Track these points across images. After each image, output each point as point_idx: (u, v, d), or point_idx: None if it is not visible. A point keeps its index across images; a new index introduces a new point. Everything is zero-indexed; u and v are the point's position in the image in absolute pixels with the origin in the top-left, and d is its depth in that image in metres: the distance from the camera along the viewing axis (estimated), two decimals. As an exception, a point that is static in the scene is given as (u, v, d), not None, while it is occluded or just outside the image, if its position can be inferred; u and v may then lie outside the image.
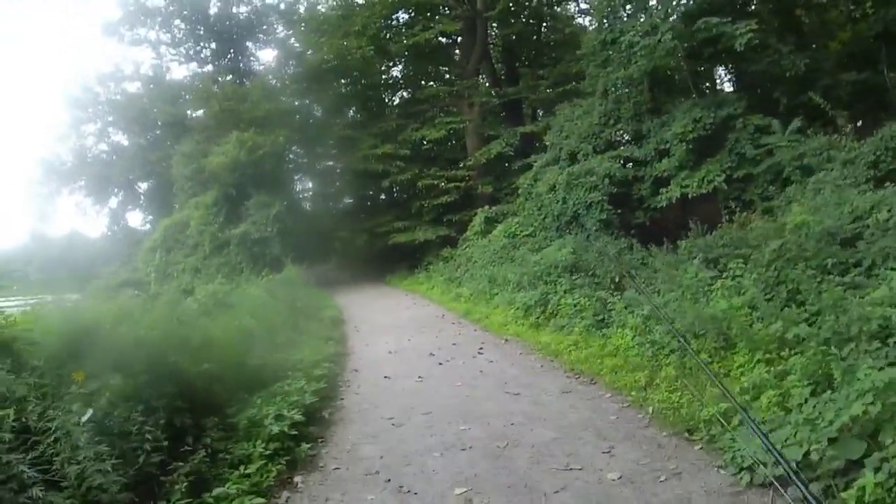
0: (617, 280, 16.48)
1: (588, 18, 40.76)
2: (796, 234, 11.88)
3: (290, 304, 20.74)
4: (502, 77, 39.57)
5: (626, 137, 24.55)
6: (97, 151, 52.36)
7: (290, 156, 39.59)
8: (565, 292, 16.63)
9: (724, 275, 12.03)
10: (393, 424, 9.62)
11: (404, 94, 42.81)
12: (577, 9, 42.18)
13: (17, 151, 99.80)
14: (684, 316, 10.44)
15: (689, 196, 20.59)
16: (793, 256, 11.08)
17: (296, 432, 8.52)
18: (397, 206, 39.54)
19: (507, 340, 15.73)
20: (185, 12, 48.78)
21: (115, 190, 52.77)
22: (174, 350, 8.33)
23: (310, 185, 49.06)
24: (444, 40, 40.03)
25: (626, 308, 13.40)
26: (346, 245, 45.88)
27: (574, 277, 17.35)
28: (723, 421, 7.30)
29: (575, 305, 15.32)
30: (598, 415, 9.19)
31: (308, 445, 8.47)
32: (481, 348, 14.99)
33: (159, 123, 48.06)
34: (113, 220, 53.53)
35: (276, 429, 8.09)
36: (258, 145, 31.94)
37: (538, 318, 16.43)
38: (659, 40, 20.38)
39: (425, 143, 34.59)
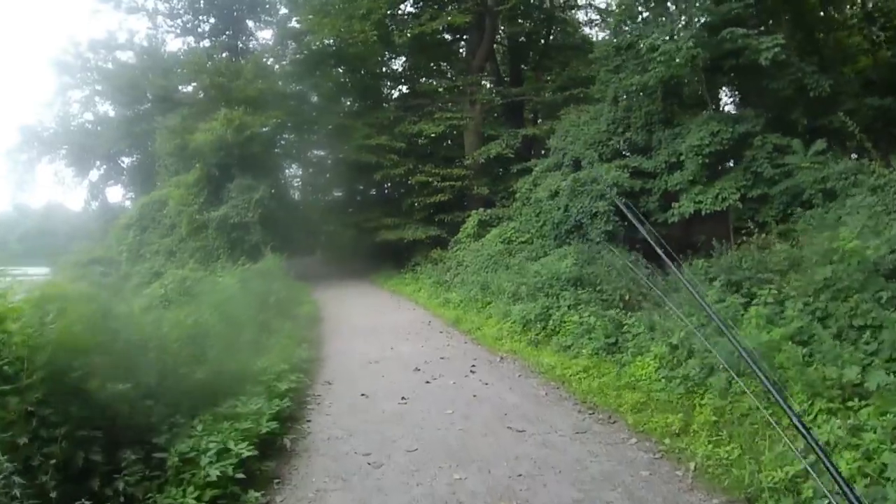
0: (627, 298, 14.70)
1: (595, 29, 39.67)
2: (845, 263, 9.95)
3: (263, 297, 18.81)
4: (506, 78, 37.60)
5: (636, 147, 22.60)
6: (82, 120, 49.54)
7: (281, 140, 37.31)
8: (569, 308, 14.81)
9: (755, 301, 10.46)
10: (369, 464, 7.70)
11: (404, 89, 40.83)
12: (586, 17, 40.22)
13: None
14: (716, 347, 8.46)
15: (701, 213, 18.97)
16: (843, 287, 9.45)
17: (243, 475, 6.49)
18: (388, 202, 37.59)
19: (502, 358, 13.85)
20: (185, -19, 46.75)
21: (97, 162, 49.91)
22: (89, 355, 6.18)
23: (299, 173, 47.05)
24: (448, 37, 38.24)
25: (645, 332, 11.85)
26: (332, 239, 43.71)
27: (579, 292, 15.53)
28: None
29: (581, 324, 13.48)
30: (626, 467, 7.35)
31: (259, 493, 6.49)
32: (474, 366, 13.09)
33: (149, 96, 45.35)
34: (92, 193, 50.89)
35: (215, 473, 6.06)
36: (246, 125, 29.79)
37: (538, 334, 14.58)
38: (679, 47, 18.70)
39: (422, 138, 32.48)
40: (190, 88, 41.48)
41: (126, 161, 50.57)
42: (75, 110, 49.39)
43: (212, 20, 48.68)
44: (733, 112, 22.94)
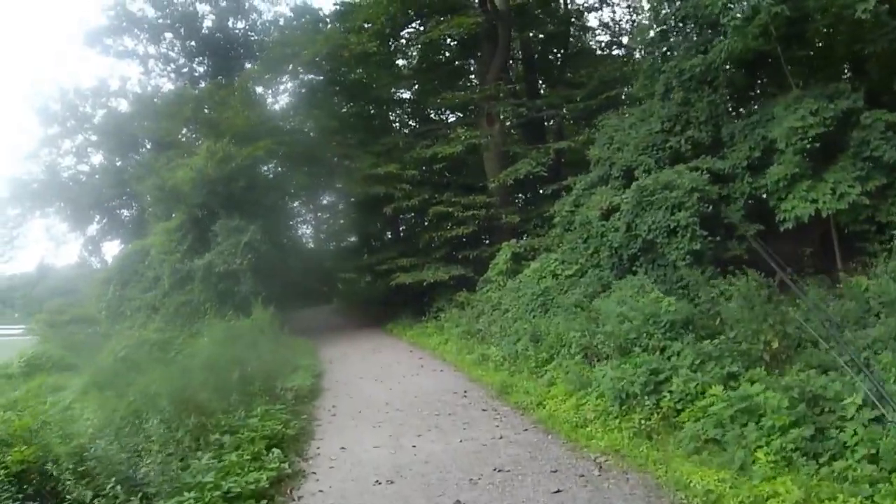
0: (772, 346, 9.18)
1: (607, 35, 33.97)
2: None
3: (241, 363, 12.97)
4: (518, 88, 31.46)
5: (701, 146, 17.30)
6: (74, 171, 43.92)
7: (271, 175, 31.22)
8: (693, 369, 8.96)
9: None
10: None
11: (411, 121, 35.14)
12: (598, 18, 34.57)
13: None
14: None
15: (821, 215, 13.55)
16: None
17: None
18: (402, 240, 31.73)
19: (602, 467, 7.98)
20: (176, 25, 41.79)
21: (95, 215, 44.33)
22: None
23: (309, 219, 41.31)
24: (458, 60, 33.21)
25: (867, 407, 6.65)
26: (347, 286, 39.38)
27: (701, 342, 9.81)
28: None
29: (730, 399, 7.76)
30: None
31: None
32: (559, 490, 7.18)
33: (146, 144, 40.20)
34: (89, 249, 45.22)
35: None
36: (230, 157, 24.00)
37: (648, 417, 8.75)
38: (756, 10, 14.06)
39: (437, 163, 26.36)
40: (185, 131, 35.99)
41: (125, 213, 44.82)
42: (68, 161, 43.96)
43: (207, 63, 43.89)
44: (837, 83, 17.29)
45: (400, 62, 33.74)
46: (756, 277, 11.04)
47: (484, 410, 11.35)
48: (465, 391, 13.13)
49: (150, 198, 27.56)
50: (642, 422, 8.52)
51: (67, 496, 6.50)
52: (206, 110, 29.14)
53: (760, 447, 6.86)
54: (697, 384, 8.52)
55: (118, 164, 41.06)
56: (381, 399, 13.12)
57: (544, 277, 18.41)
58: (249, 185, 25.32)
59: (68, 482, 6.51)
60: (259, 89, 33.07)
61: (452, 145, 26.18)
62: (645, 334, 10.56)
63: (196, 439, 8.56)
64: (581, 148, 24.28)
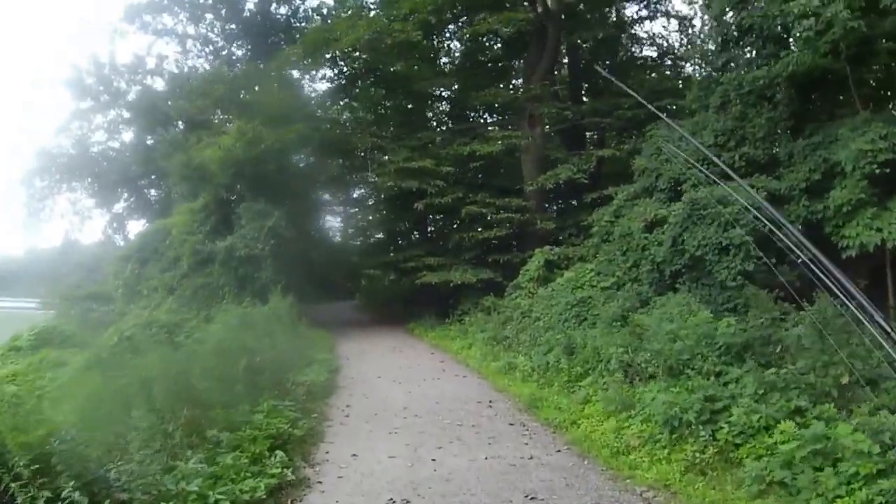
0: (842, 380, 8.17)
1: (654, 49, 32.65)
2: None
3: (252, 353, 12.03)
4: (565, 97, 30.28)
5: (755, 164, 16.23)
6: (104, 147, 43.23)
7: (302, 163, 30.11)
8: (755, 399, 7.99)
9: None
10: None
11: (449, 120, 33.51)
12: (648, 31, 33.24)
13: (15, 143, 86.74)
14: None
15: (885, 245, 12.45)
16: None
17: None
18: (431, 239, 30.82)
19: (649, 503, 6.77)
20: (217, 5, 41.05)
21: (124, 193, 43.59)
22: None
23: (326, 205, 40.17)
24: (501, 61, 32.16)
25: None
26: (372, 282, 37.93)
27: (764, 371, 8.74)
28: None
29: (802, 442, 6.81)
30: None
31: None
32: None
33: (180, 125, 39.25)
34: (115, 226, 44.33)
35: None
36: (260, 138, 23.01)
37: (702, 450, 7.66)
38: (829, 24, 12.80)
39: (474, 162, 25.20)
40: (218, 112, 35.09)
41: (153, 193, 43.87)
42: (98, 137, 43.13)
43: (246, 47, 43.04)
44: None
45: (443, 60, 32.80)
46: (831, 303, 9.95)
47: (511, 424, 10.33)
48: (491, 401, 12.12)
49: (176, 176, 26.59)
50: (696, 454, 7.45)
51: (17, 499, 5.29)
52: (241, 93, 28.13)
53: (840, 497, 5.82)
54: (761, 417, 7.46)
55: (149, 142, 40.02)
56: (398, 402, 12.16)
57: (580, 287, 17.36)
58: (278, 169, 24.34)
59: (12, 486, 5.25)
60: (296, 73, 32.04)
61: (491, 144, 25.21)
62: (699, 356, 9.51)
63: (189, 434, 7.52)
64: (625, 158, 23.19)
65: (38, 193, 42.58)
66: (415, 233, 32.77)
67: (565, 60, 32.16)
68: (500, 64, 32.00)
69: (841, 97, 15.84)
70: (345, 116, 32.38)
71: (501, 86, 31.37)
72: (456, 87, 31.20)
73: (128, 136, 43.18)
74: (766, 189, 14.61)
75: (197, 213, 24.59)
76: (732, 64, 17.66)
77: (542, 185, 24.26)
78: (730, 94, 16.85)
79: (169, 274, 24.79)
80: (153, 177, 41.52)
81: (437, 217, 29.26)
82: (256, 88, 27.94)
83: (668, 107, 25.10)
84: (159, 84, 42.12)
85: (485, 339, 18.39)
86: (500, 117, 30.41)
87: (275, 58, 30.75)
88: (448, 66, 32.27)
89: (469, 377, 14.97)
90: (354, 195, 40.17)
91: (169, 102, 37.07)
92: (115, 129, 43.34)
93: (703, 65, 19.93)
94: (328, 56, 28.68)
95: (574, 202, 26.17)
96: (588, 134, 30.18)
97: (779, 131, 16.20)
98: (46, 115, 55.56)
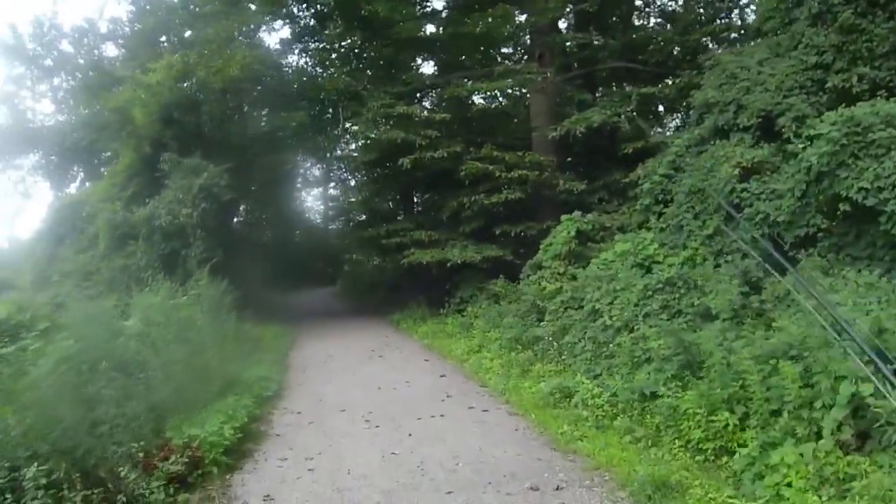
0: None
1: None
2: None
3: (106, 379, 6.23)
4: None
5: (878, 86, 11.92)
6: (52, 121, 36.46)
7: (255, 114, 23.18)
8: None
9: None
10: None
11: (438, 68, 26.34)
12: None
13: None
14: None
15: None
16: None
17: None
18: (421, 211, 24.26)
19: None
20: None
21: (80, 171, 36.76)
22: None
23: (295, 175, 33.52)
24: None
25: None
26: (353, 266, 33.05)
27: None
28: None
29: None
30: None
31: None
32: None
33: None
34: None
35: None
36: (189, 71, 16.41)
37: None
38: None
39: (473, 107, 18.63)
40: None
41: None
42: (46, 107, 36.64)
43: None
44: None
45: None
46: None
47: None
48: (559, 483, 5.74)
49: (89, 128, 20.01)
50: None
51: None
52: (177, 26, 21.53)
53: None
54: None
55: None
56: (371, 491, 5.75)
57: (641, 266, 11.54)
58: (221, 118, 17.84)
59: None
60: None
61: (492, 81, 18.82)
62: None
63: None
64: (675, 95, 17.12)
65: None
66: (400, 203, 25.84)
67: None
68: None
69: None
70: (307, 61, 25.40)
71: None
72: (447, 29, 24.24)
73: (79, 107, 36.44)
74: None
75: (118, 176, 18.06)
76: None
77: (565, 132, 17.71)
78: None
79: (84, 255, 18.31)
80: (108, 153, 34.77)
81: (429, 180, 22.28)
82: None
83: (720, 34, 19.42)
84: (112, 51, 35.40)
85: (507, 342, 12.15)
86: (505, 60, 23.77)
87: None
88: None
89: (495, 413, 8.56)
90: (329, 155, 33.24)
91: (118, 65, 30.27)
92: (64, 99, 36.61)
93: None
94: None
95: (616, 152, 19.68)
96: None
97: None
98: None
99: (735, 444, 5.96)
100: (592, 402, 7.68)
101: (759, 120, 12.21)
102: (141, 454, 5.70)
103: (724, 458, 5.94)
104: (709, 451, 6.08)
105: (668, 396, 6.76)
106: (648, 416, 7.00)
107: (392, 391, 10.07)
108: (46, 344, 8.04)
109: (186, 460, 5.88)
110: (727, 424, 6.10)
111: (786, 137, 11.37)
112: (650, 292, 9.65)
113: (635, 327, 9.06)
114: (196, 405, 7.66)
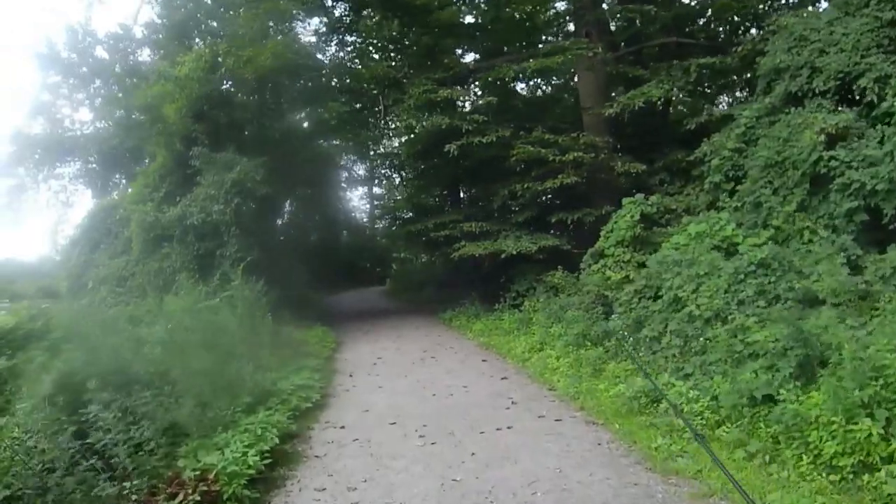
0: None
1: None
2: None
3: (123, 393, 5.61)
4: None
5: None
6: (90, 128, 35.91)
7: (292, 106, 21.94)
8: None
9: None
10: None
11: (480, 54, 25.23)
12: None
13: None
14: None
15: None
16: None
17: None
18: (471, 200, 22.96)
19: None
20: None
21: (122, 178, 36.33)
22: None
23: (340, 176, 32.77)
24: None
25: None
26: (402, 265, 32.82)
27: None
28: None
29: None
30: None
31: None
32: None
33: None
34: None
35: None
36: (218, 62, 15.42)
37: None
38: None
39: (520, 89, 17.37)
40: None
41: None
42: (84, 115, 36.19)
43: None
44: None
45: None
46: None
47: None
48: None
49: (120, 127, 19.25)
50: None
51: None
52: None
53: None
54: None
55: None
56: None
57: (721, 248, 10.20)
58: (257, 110, 16.80)
59: None
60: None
61: (542, 60, 17.56)
62: None
63: None
64: (738, 65, 15.81)
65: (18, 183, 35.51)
66: (447, 198, 24.50)
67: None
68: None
69: None
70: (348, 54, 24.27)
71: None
72: (487, 13, 22.99)
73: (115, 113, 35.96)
74: None
75: (150, 177, 17.17)
76: None
77: (619, 111, 16.39)
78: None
79: (118, 260, 17.43)
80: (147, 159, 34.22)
81: (476, 170, 20.96)
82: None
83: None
84: (148, 56, 34.66)
85: (569, 336, 10.82)
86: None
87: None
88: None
89: (570, 422, 7.37)
90: (372, 153, 32.41)
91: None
92: (102, 106, 36.18)
93: None
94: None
95: (655, 139, 18.27)
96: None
97: None
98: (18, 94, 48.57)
99: (877, 459, 4.74)
100: (688, 409, 6.44)
101: (837, 83, 11.20)
102: (143, 490, 4.62)
103: (866, 477, 4.71)
104: (846, 469, 4.85)
105: (792, 402, 5.49)
106: (762, 425, 5.74)
107: (448, 398, 8.92)
108: (53, 357, 7.11)
109: (198, 498, 4.77)
110: (869, 434, 4.86)
111: (869, 101, 10.41)
112: (741, 276, 8.34)
113: (729, 317, 7.75)
114: (219, 423, 6.58)
